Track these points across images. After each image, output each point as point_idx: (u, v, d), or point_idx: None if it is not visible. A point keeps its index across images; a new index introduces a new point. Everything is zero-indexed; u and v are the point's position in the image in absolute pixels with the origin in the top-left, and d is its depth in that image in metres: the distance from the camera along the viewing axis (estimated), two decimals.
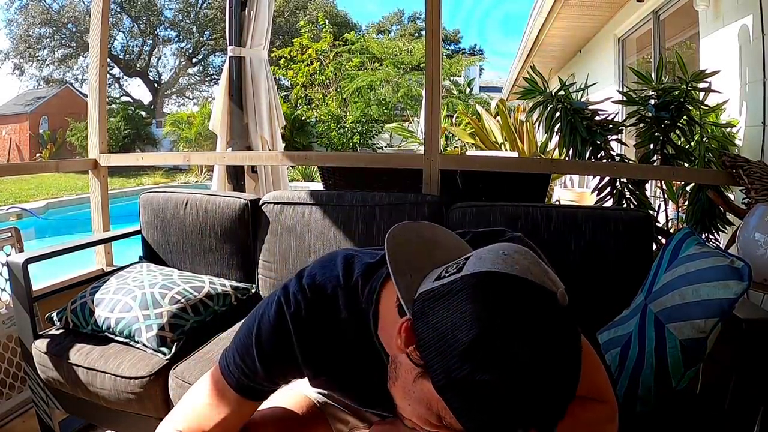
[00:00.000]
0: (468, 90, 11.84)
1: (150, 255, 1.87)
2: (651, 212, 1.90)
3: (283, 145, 2.79)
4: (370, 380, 0.70)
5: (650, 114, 1.94)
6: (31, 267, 1.50)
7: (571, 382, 0.54)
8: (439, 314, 0.54)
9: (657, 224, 1.97)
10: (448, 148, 7.49)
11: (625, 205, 1.99)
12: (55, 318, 1.51)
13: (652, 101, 1.96)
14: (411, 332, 0.56)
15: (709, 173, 1.85)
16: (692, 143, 2.03)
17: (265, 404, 0.85)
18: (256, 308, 0.76)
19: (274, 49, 12.95)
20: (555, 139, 2.22)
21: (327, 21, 13.04)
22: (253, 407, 0.78)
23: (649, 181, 2.34)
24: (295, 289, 0.72)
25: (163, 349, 1.34)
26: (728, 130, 2.33)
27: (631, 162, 2.17)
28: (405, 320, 0.57)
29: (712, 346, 0.96)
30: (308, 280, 0.72)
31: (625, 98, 2.07)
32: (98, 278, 1.63)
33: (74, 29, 20.13)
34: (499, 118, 5.70)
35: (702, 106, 1.96)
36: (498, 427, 0.52)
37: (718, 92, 1.97)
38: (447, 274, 0.57)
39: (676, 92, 1.88)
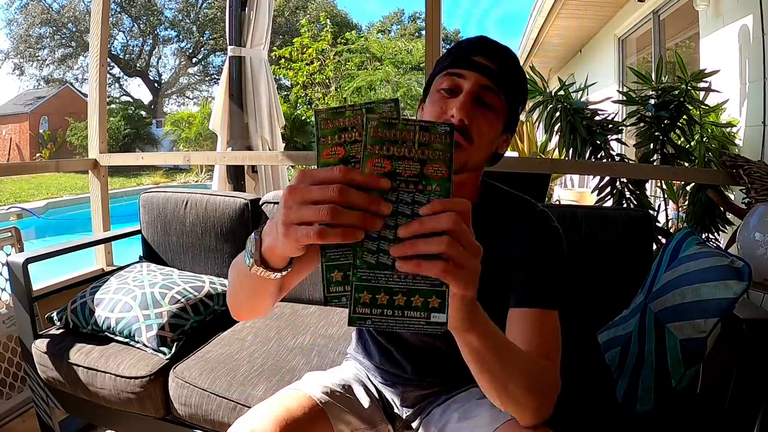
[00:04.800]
0: None
1: (150, 255, 1.87)
2: (651, 212, 1.90)
3: (283, 144, 2.79)
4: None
5: (650, 114, 1.94)
6: (31, 267, 1.50)
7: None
8: None
9: (657, 224, 1.97)
10: None
11: (625, 205, 1.99)
12: (55, 318, 1.51)
13: (652, 101, 1.96)
14: None
15: (709, 173, 1.85)
16: (692, 143, 2.03)
17: (267, 404, 0.86)
18: None
19: (275, 48, 12.96)
20: (555, 139, 2.22)
21: (328, 21, 13.05)
22: None
23: (649, 181, 2.34)
24: None
25: (163, 348, 1.34)
26: (728, 129, 2.33)
27: (631, 162, 2.17)
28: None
29: (712, 346, 0.96)
30: None
31: (625, 98, 2.07)
32: (98, 278, 1.63)
33: (74, 29, 20.14)
34: None
35: (702, 106, 1.96)
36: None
37: (718, 92, 1.97)
38: None
39: (676, 92, 1.88)
